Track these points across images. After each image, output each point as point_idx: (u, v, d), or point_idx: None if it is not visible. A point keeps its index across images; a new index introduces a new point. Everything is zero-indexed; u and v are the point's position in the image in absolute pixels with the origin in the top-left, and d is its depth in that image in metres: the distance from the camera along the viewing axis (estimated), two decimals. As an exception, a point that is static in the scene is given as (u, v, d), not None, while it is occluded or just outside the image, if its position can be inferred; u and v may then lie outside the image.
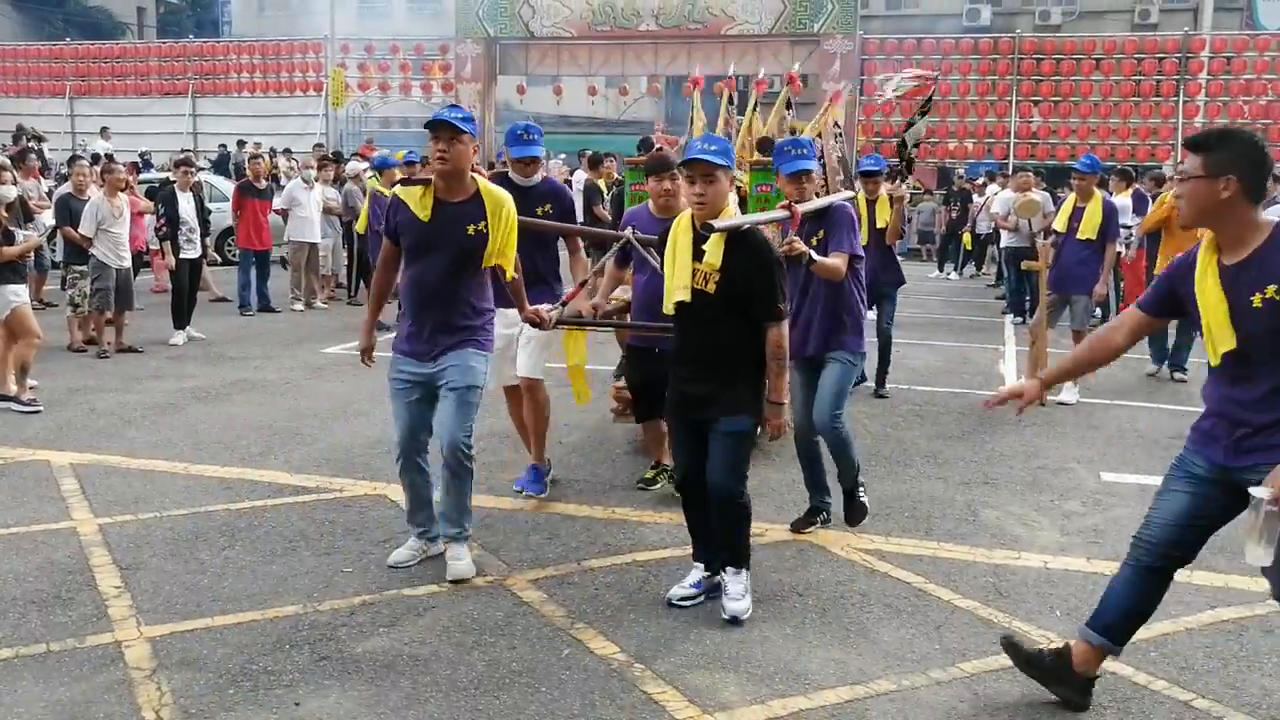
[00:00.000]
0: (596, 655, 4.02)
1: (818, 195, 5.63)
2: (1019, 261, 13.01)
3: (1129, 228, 11.86)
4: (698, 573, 4.56)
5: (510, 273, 4.80)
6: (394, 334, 4.89)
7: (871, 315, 8.11)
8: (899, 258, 9.17)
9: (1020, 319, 13.13)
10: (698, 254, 4.22)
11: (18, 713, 3.52)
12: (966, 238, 19.30)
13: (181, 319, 10.99)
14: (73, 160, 12.49)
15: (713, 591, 4.48)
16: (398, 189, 4.70)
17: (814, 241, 5.17)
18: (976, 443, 7.42)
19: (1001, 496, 6.20)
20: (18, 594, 4.49)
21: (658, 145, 7.71)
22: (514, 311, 5.20)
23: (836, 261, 5.11)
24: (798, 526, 5.42)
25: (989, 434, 7.68)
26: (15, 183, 10.54)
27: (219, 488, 6.03)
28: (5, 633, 4.12)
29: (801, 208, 5.07)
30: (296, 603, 4.41)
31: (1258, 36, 23.01)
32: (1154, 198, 11.81)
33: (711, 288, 4.19)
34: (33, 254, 9.04)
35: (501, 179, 5.55)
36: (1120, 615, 3.60)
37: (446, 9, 25.09)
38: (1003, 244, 14.23)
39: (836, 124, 8.14)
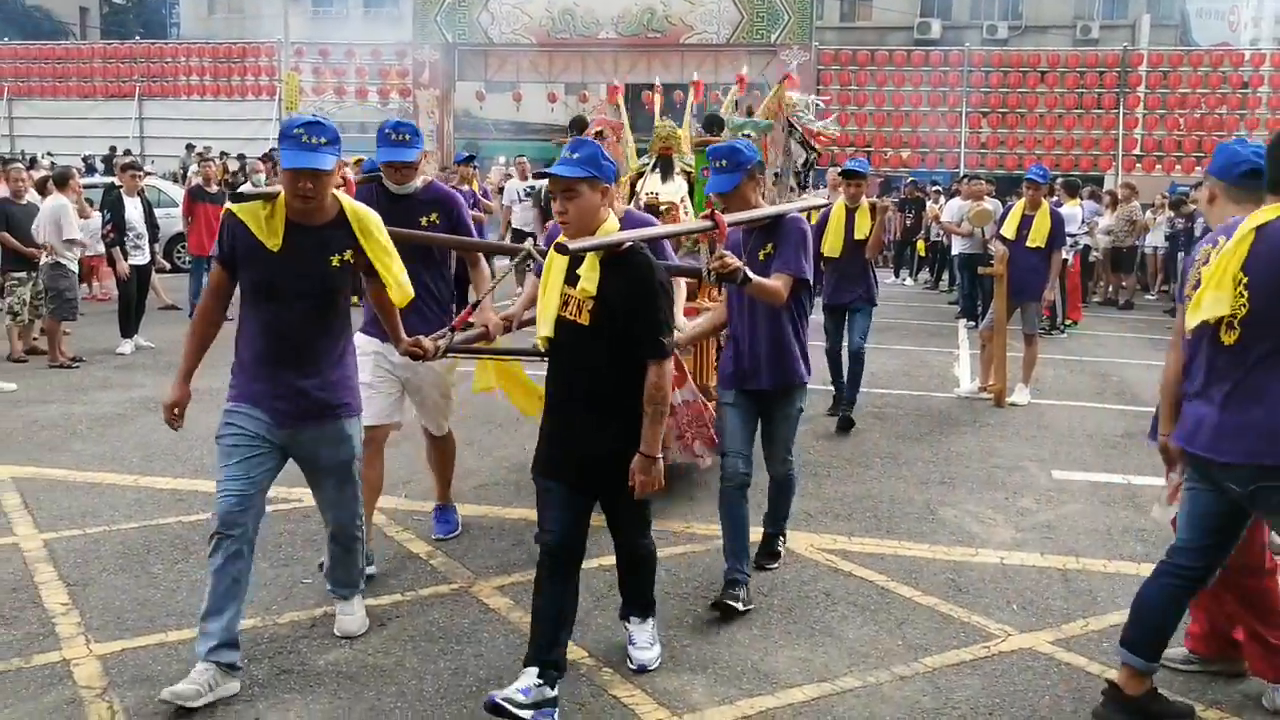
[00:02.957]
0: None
1: (765, 199, 4.96)
2: (972, 267, 13.22)
3: (1074, 235, 12.18)
4: (529, 678, 3.51)
5: (404, 299, 4.00)
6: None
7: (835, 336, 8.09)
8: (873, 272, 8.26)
9: (973, 323, 13.32)
10: (573, 279, 3.54)
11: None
12: (920, 244, 19.56)
13: (130, 327, 10.80)
14: (7, 163, 12.18)
15: (545, 706, 3.48)
16: (233, 205, 3.71)
17: (762, 255, 4.50)
18: (934, 443, 7.54)
19: (959, 495, 6.30)
20: None
21: (597, 128, 6.81)
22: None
23: (776, 284, 4.37)
24: (718, 604, 4.46)
25: (946, 435, 7.81)
26: None
27: (171, 500, 5.92)
28: None
29: (739, 216, 4.49)
30: (255, 615, 4.33)
31: (1192, 52, 23.63)
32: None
33: (585, 318, 3.50)
34: None
35: (374, 187, 4.84)
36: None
37: (404, 13, 24.93)
38: (955, 250, 14.44)
39: (792, 106, 7.19)
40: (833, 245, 8.03)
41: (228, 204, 3.75)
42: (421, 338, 4.19)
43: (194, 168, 13.99)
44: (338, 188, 3.98)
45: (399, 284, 3.87)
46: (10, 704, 3.63)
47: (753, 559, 4.78)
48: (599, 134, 6.36)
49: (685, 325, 4.94)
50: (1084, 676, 3.99)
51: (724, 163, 4.45)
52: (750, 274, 4.21)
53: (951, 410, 8.73)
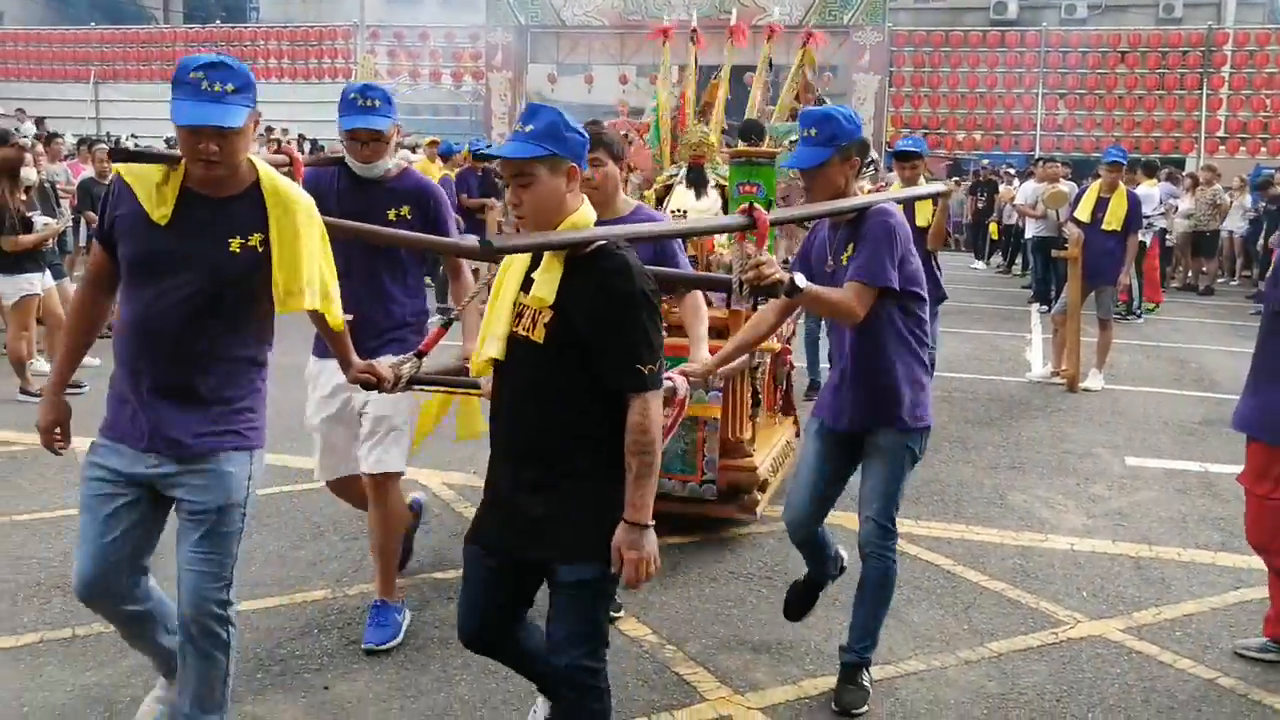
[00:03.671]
0: (628, 636, 4.07)
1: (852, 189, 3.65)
2: (1045, 250, 12.99)
3: (1149, 217, 11.89)
4: (544, 708, 3.19)
5: (337, 318, 3.07)
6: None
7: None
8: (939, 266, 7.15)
9: (1045, 307, 13.10)
10: (529, 283, 2.68)
11: (44, 697, 3.55)
12: (993, 227, 19.23)
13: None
14: (92, 144, 12.48)
15: None
16: (122, 167, 2.89)
17: (844, 259, 3.49)
18: (1004, 428, 7.44)
19: (1028, 480, 6.23)
20: (42, 579, 4.48)
21: (620, 131, 5.24)
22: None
23: (843, 296, 3.35)
24: (795, 612, 3.97)
25: (1016, 420, 7.71)
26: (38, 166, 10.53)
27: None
28: (31, 617, 4.13)
29: (788, 214, 3.76)
30: (325, 587, 4.45)
31: (1280, 31, 22.84)
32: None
33: (539, 334, 2.60)
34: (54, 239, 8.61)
35: (337, 170, 3.98)
36: None
37: (478, -3, 25.12)
38: (1028, 234, 14.20)
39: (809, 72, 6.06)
40: None
41: (114, 164, 2.97)
42: (378, 362, 3.24)
43: (261, 150, 14.24)
44: (283, 168, 3.35)
45: (297, 291, 2.86)
46: (91, 668, 3.76)
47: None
48: (625, 137, 5.19)
49: (704, 359, 3.79)
50: (1156, 665, 3.94)
51: (814, 131, 3.48)
52: (801, 281, 3.11)
53: (1022, 395, 8.61)
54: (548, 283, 2.60)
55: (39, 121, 21.03)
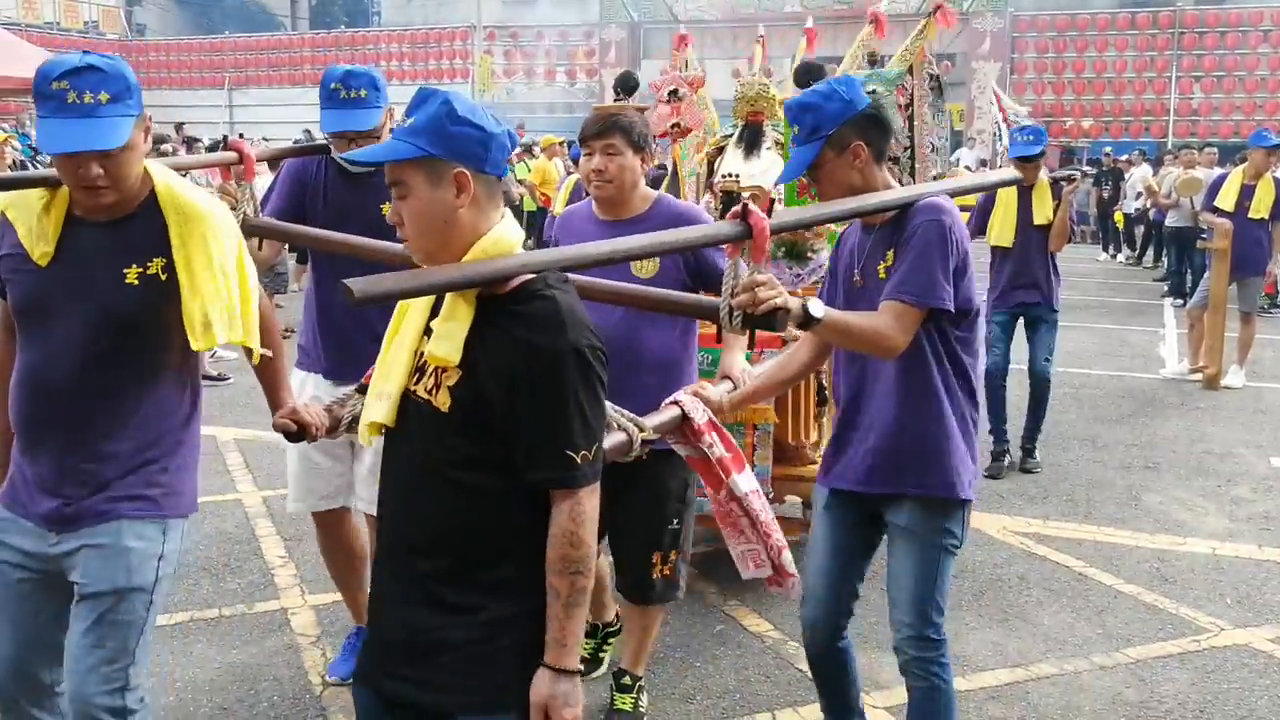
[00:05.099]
0: (750, 632, 4.06)
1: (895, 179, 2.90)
2: (1181, 241, 12.45)
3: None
4: None
5: (256, 350, 2.52)
6: None
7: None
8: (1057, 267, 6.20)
9: (1180, 301, 12.56)
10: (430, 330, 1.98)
11: (193, 673, 3.73)
12: (1119, 216, 18.54)
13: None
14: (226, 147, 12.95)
15: None
16: (3, 201, 2.41)
17: (881, 270, 2.67)
18: (1136, 426, 7.16)
19: (1164, 481, 5.98)
20: (190, 561, 4.62)
21: (670, 86, 4.79)
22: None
23: (877, 322, 2.55)
24: None
25: (1149, 417, 7.41)
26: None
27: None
28: (180, 598, 4.28)
29: (793, 217, 2.79)
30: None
31: None
32: None
33: (443, 399, 1.90)
34: None
35: (322, 162, 3.45)
36: None
37: (592, -5, 25.35)
38: (1167, 224, 13.63)
39: (930, 61, 5.18)
40: (1001, 233, 6.11)
41: (1, 196, 2.43)
42: (303, 407, 2.43)
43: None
44: (232, 167, 2.99)
45: (215, 322, 2.37)
46: (237, 646, 3.94)
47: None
48: (673, 93, 4.68)
49: (745, 372, 3.02)
50: (1307, 678, 3.74)
51: (796, 128, 2.76)
52: (816, 308, 2.38)
53: (1156, 392, 8.27)
54: (450, 334, 1.88)
55: (178, 127, 22.03)
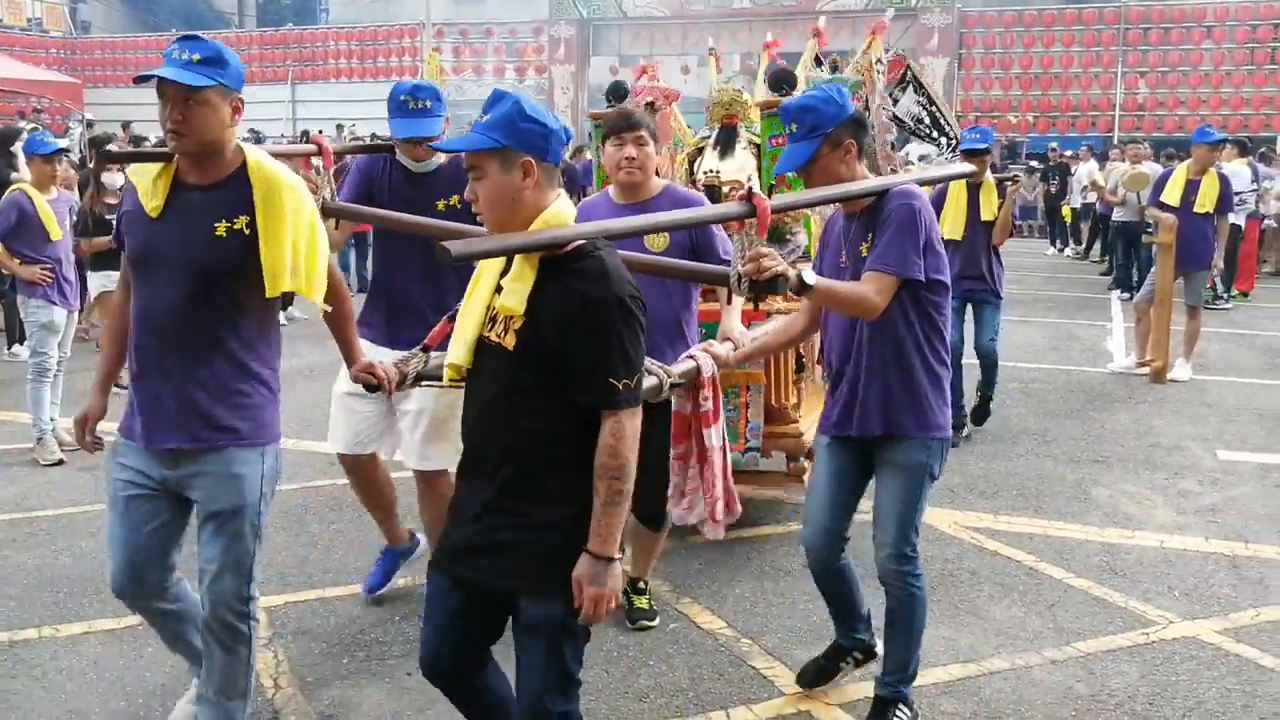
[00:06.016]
0: (703, 630, 4.03)
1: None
2: (1126, 236, 12.62)
3: (1240, 194, 11.46)
4: None
5: (318, 303, 3.01)
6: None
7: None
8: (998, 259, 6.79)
9: (1127, 294, 12.74)
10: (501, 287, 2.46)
11: (145, 676, 3.67)
12: (1066, 210, 18.77)
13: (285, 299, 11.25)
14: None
15: None
16: (131, 167, 2.96)
17: (864, 249, 3.14)
18: (1086, 420, 7.23)
19: (1113, 475, 6.03)
20: None
21: (647, 98, 5.25)
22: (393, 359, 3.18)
23: (861, 289, 3.03)
24: (810, 680, 3.59)
25: (1098, 411, 7.48)
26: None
27: (325, 463, 6.11)
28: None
29: (792, 199, 3.45)
30: (406, 575, 4.46)
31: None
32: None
33: (510, 340, 2.38)
34: None
35: (387, 162, 3.97)
36: None
37: (541, -9, 25.24)
38: (1113, 218, 13.82)
39: (879, 61, 5.69)
40: (953, 226, 6.55)
41: (130, 167, 2.99)
42: (379, 363, 3.07)
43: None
44: (314, 155, 3.48)
45: (281, 272, 2.83)
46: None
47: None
48: (649, 105, 5.09)
49: (743, 334, 3.65)
50: (1256, 670, 3.76)
51: (795, 125, 3.16)
52: (810, 275, 2.89)
53: (1104, 386, 8.36)
54: (517, 291, 2.36)
55: (125, 125, 21.63)
